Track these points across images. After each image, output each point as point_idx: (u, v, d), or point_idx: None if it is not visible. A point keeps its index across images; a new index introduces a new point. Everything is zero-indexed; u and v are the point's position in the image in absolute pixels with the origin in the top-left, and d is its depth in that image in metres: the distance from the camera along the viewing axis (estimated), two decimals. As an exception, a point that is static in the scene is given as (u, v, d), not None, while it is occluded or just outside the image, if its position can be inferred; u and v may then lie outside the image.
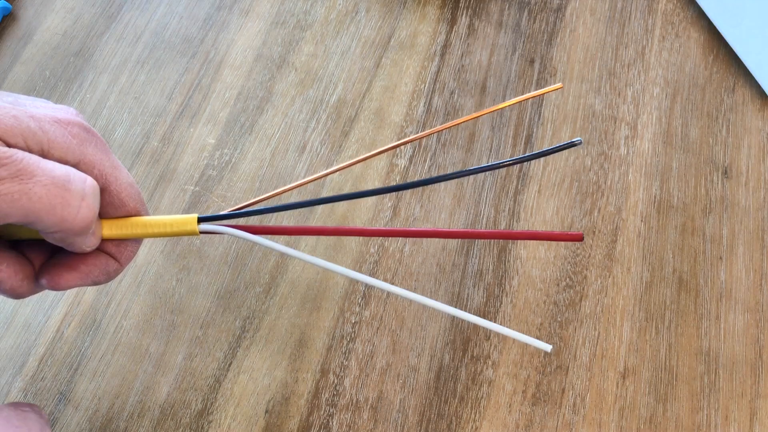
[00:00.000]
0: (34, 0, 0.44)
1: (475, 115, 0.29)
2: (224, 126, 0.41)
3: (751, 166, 0.42)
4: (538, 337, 0.37)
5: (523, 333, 0.37)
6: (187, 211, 0.39)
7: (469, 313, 0.37)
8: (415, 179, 0.40)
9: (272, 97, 0.42)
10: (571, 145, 0.27)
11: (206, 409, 0.34)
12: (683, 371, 0.37)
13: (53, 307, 0.36)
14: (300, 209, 0.39)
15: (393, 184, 0.40)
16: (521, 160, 0.28)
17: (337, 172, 0.40)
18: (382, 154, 0.41)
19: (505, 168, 0.41)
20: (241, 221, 0.38)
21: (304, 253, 0.27)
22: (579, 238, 0.27)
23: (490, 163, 0.28)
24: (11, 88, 0.41)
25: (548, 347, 0.27)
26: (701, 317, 0.38)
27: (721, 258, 0.40)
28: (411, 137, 0.34)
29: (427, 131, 0.29)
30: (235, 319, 0.36)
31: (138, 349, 0.35)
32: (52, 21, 0.43)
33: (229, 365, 0.35)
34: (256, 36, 0.44)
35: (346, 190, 0.40)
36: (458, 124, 0.31)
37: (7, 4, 0.42)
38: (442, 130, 0.33)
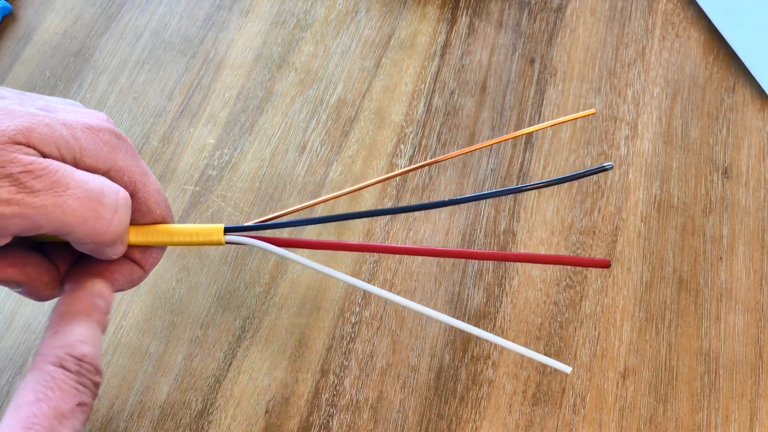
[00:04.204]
0: (34, 0, 0.44)
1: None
2: (224, 126, 0.41)
3: (751, 166, 0.42)
4: (538, 338, 0.37)
5: (523, 333, 0.37)
6: (186, 210, 0.39)
7: (470, 314, 0.37)
8: (416, 183, 0.40)
9: (272, 97, 0.42)
10: (602, 169, 0.27)
11: (206, 410, 0.34)
12: (683, 371, 0.37)
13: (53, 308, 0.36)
14: (303, 210, 0.39)
15: (393, 183, 0.40)
16: (545, 185, 0.28)
17: (338, 173, 0.40)
18: (382, 155, 0.41)
19: (505, 171, 0.41)
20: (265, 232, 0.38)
21: (334, 271, 0.28)
22: (606, 265, 0.27)
23: (509, 187, 0.28)
24: (11, 88, 0.41)
25: (567, 369, 0.27)
26: (701, 317, 0.38)
27: (721, 258, 0.40)
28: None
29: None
30: (235, 319, 0.36)
31: (138, 349, 0.35)
32: (52, 21, 0.43)
33: (229, 365, 0.35)
34: (256, 36, 0.43)
35: (346, 190, 0.39)
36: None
37: (7, 4, 0.42)
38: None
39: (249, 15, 0.44)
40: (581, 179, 0.41)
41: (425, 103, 0.42)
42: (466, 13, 0.45)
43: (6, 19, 0.43)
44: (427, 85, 0.43)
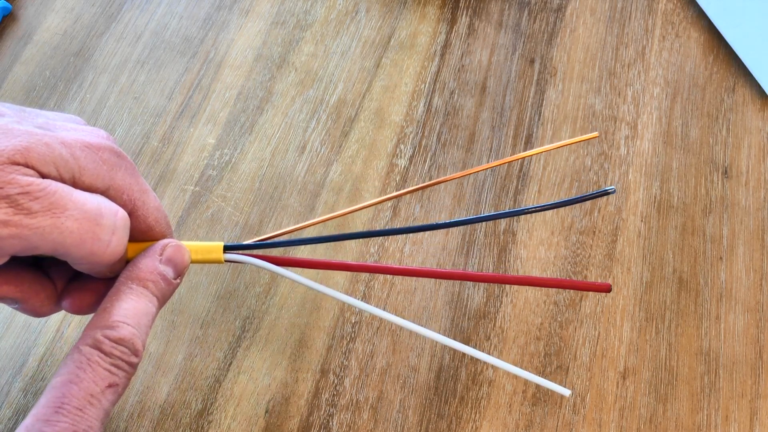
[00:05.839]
0: (34, 0, 0.44)
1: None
2: (224, 126, 0.41)
3: (751, 166, 0.42)
4: (538, 338, 0.37)
5: (523, 333, 0.37)
6: (186, 210, 0.39)
7: (470, 314, 0.37)
8: (416, 183, 0.40)
9: (272, 97, 0.42)
10: (605, 193, 0.28)
11: (206, 409, 0.34)
12: (683, 371, 0.37)
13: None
14: (301, 211, 0.39)
15: (393, 183, 0.40)
16: (548, 207, 0.29)
17: (338, 173, 0.40)
18: (382, 155, 0.41)
19: (505, 171, 0.41)
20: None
21: (330, 289, 0.28)
22: (607, 289, 0.27)
23: (510, 210, 0.28)
24: (11, 88, 0.41)
25: (567, 392, 0.27)
26: (701, 317, 0.38)
27: (721, 258, 0.40)
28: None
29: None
30: (235, 319, 0.36)
31: (138, 349, 0.35)
32: (52, 21, 0.43)
33: (229, 365, 0.35)
34: (256, 36, 0.44)
35: (346, 190, 0.40)
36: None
37: (7, 4, 0.42)
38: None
39: (249, 15, 0.44)
40: (582, 174, 0.41)
41: (425, 103, 0.42)
42: (466, 13, 0.45)
43: (6, 19, 0.43)
44: (427, 85, 0.43)
